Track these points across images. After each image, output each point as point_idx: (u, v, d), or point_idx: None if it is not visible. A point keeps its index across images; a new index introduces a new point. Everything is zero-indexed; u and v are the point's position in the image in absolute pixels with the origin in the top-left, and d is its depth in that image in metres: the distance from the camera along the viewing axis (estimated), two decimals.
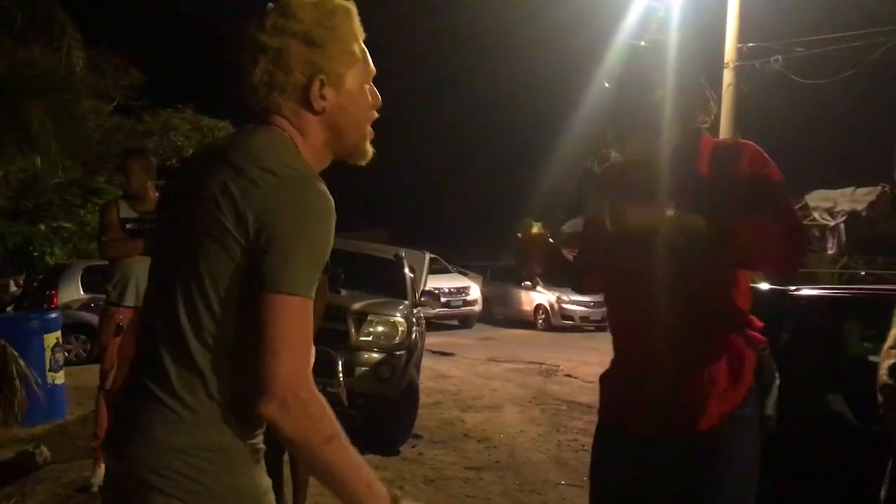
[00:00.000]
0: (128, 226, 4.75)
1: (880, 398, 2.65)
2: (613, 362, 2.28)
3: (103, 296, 5.15)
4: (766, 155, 2.07)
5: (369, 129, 1.60)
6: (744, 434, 2.07)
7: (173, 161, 18.08)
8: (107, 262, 4.95)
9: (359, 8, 1.55)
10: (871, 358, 4.27)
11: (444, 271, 19.41)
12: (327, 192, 1.39)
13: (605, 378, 2.31)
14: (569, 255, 2.50)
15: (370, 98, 1.58)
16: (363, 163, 1.61)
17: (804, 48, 13.52)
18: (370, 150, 1.60)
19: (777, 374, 2.16)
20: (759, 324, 2.15)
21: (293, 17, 1.46)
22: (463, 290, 18.83)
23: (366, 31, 1.56)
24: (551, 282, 16.86)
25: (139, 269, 4.54)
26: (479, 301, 19.11)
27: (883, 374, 2.64)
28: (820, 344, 4.08)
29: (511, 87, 39.99)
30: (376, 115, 1.61)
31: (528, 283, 18.37)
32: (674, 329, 2.04)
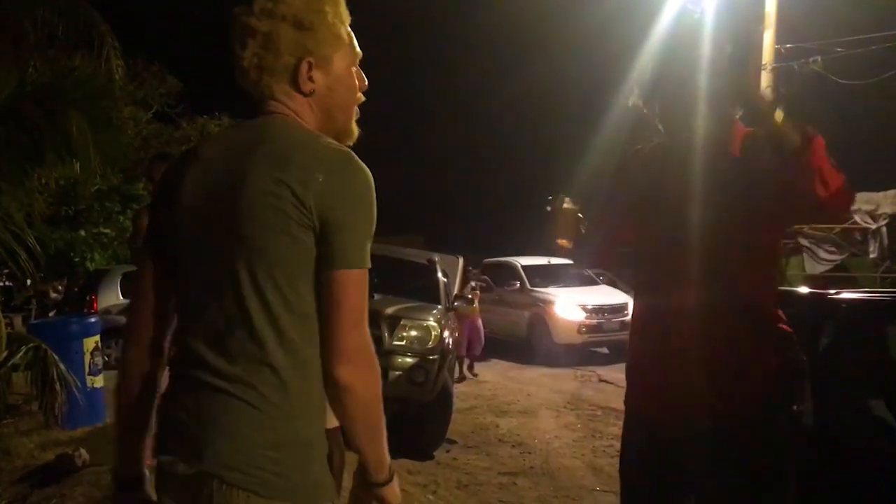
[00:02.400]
0: None
1: None
2: (640, 354, 2.26)
3: None
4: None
5: (356, 109, 1.65)
6: (773, 424, 2.05)
7: None
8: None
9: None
10: None
11: (590, 282, 15.18)
12: (364, 166, 1.47)
13: (632, 374, 2.28)
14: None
15: (357, 80, 1.63)
16: (350, 143, 1.63)
17: (843, 48, 13.30)
18: (356, 130, 1.66)
19: (806, 367, 2.13)
20: (784, 316, 2.13)
21: (282, 1, 1.51)
22: (619, 310, 13.36)
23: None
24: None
25: None
26: None
27: None
28: (861, 349, 3.99)
29: (543, 91, 39.82)
30: (363, 97, 1.66)
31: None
32: (703, 319, 2.04)
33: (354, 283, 1.43)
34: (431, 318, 6.62)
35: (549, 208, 2.33)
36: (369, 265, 1.46)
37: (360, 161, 1.47)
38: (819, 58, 13.06)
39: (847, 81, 13.38)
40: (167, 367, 1.57)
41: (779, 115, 1.91)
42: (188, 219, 1.50)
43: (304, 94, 1.55)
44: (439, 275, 7.75)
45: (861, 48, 13.09)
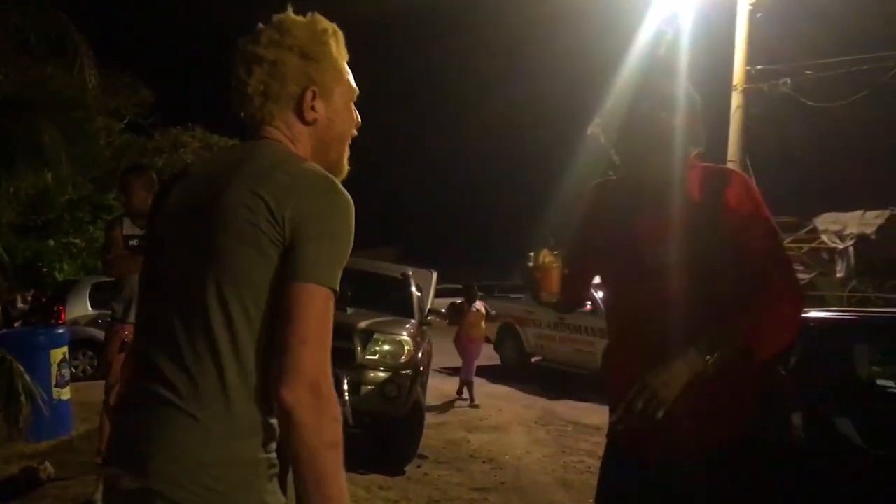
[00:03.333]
0: (131, 243, 4.75)
1: None
2: (615, 379, 2.25)
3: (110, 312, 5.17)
4: (752, 185, 2.12)
5: (348, 146, 1.67)
6: (748, 459, 2.08)
7: None
8: (112, 280, 4.96)
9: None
10: (880, 382, 4.25)
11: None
12: (347, 192, 1.46)
13: (611, 401, 2.29)
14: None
15: (353, 116, 1.66)
16: (340, 178, 1.63)
17: (813, 71, 13.53)
18: (347, 166, 1.67)
19: (784, 398, 2.16)
20: None
21: (288, 33, 1.54)
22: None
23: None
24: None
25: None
26: None
27: None
28: (829, 367, 4.05)
29: (522, 108, 40.17)
30: (356, 132, 1.68)
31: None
32: (670, 350, 2.04)
33: (316, 300, 1.36)
34: (405, 333, 6.61)
35: (529, 264, 2.31)
36: (337, 288, 1.40)
37: (342, 188, 1.46)
38: (788, 80, 13.26)
39: (816, 104, 13.60)
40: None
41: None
42: (169, 233, 1.52)
43: (306, 123, 1.57)
44: (413, 289, 7.75)
45: (830, 71, 13.32)
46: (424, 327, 7.56)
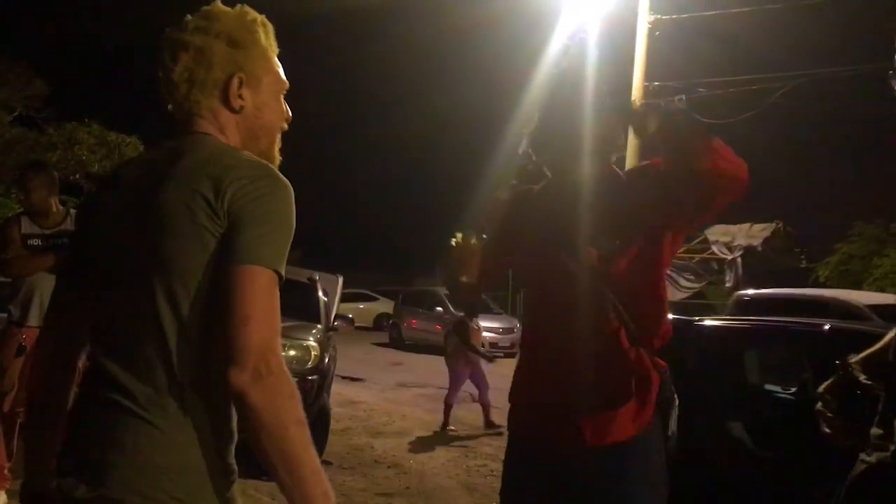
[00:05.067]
0: (30, 242, 4.55)
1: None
2: (525, 382, 2.33)
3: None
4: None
5: (279, 137, 1.66)
6: (651, 450, 2.17)
7: (77, 176, 17.38)
8: (9, 280, 4.74)
9: (282, 30, 1.65)
10: (767, 387, 4.50)
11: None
12: (285, 178, 1.44)
13: (515, 397, 2.36)
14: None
15: (283, 109, 1.65)
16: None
17: (706, 89, 14.14)
18: (278, 156, 1.66)
19: (676, 396, 2.27)
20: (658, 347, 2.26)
21: (216, 20, 1.53)
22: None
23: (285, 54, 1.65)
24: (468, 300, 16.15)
25: (44, 287, 4.36)
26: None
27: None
28: (721, 372, 4.26)
29: (429, 115, 40.44)
30: (286, 126, 1.67)
31: (440, 308, 18.37)
32: (588, 350, 2.13)
33: (259, 282, 1.32)
34: (311, 338, 6.55)
35: (454, 243, 2.34)
36: (282, 272, 1.37)
37: (279, 173, 1.44)
38: (684, 96, 13.81)
39: (709, 120, 14.21)
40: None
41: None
42: (105, 238, 1.48)
43: (233, 111, 1.54)
44: (320, 293, 7.69)
45: (721, 90, 13.96)
46: (330, 332, 7.52)
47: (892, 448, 1.79)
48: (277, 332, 1.34)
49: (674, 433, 2.25)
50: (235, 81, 1.53)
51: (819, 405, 1.90)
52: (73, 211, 4.69)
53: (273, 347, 1.32)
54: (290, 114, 1.67)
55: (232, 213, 1.35)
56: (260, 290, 1.32)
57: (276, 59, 1.63)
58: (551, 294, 2.24)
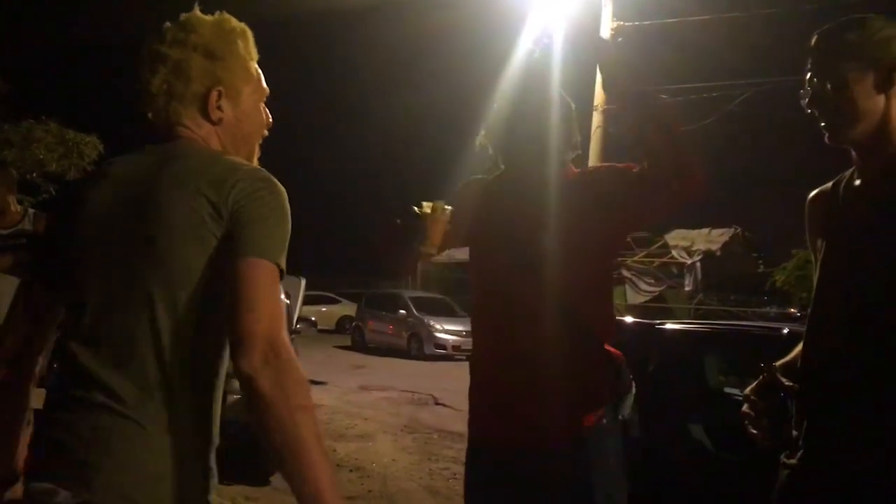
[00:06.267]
0: None
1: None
2: (480, 376, 2.33)
3: None
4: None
5: (258, 145, 1.66)
6: (608, 442, 2.18)
7: (34, 175, 17.04)
8: None
9: (257, 33, 1.63)
10: (727, 390, 4.56)
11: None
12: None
13: (472, 393, 2.36)
14: None
15: (263, 117, 1.65)
16: None
17: (667, 95, 14.32)
18: (257, 164, 1.65)
19: (633, 384, 2.29)
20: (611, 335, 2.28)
21: (193, 31, 1.52)
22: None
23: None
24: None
25: (2, 288, 4.26)
26: None
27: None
28: (682, 375, 4.31)
29: (396, 117, 40.45)
30: (266, 133, 1.67)
31: (403, 311, 18.35)
32: (540, 342, 2.14)
33: (264, 274, 1.35)
34: None
35: (420, 210, 2.27)
36: (283, 266, 1.39)
37: (273, 177, 1.47)
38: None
39: None
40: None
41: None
42: (94, 237, 1.45)
43: (212, 123, 1.54)
44: (282, 296, 7.63)
45: (682, 97, 14.15)
46: (293, 336, 7.47)
47: (800, 452, 1.84)
48: (283, 321, 1.37)
49: (625, 418, 2.27)
50: (214, 94, 1.53)
51: (745, 407, 1.94)
52: (31, 210, 4.59)
53: (280, 334, 1.33)
54: (271, 120, 1.67)
55: (235, 213, 1.38)
56: (265, 281, 1.35)
57: (256, 66, 1.62)
58: (500, 288, 2.24)
